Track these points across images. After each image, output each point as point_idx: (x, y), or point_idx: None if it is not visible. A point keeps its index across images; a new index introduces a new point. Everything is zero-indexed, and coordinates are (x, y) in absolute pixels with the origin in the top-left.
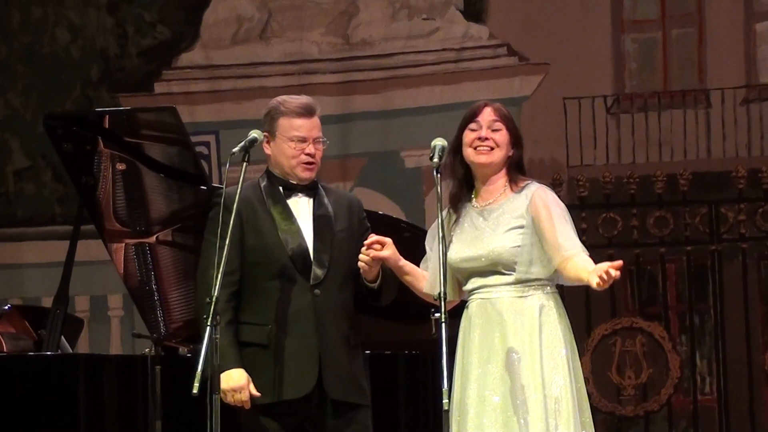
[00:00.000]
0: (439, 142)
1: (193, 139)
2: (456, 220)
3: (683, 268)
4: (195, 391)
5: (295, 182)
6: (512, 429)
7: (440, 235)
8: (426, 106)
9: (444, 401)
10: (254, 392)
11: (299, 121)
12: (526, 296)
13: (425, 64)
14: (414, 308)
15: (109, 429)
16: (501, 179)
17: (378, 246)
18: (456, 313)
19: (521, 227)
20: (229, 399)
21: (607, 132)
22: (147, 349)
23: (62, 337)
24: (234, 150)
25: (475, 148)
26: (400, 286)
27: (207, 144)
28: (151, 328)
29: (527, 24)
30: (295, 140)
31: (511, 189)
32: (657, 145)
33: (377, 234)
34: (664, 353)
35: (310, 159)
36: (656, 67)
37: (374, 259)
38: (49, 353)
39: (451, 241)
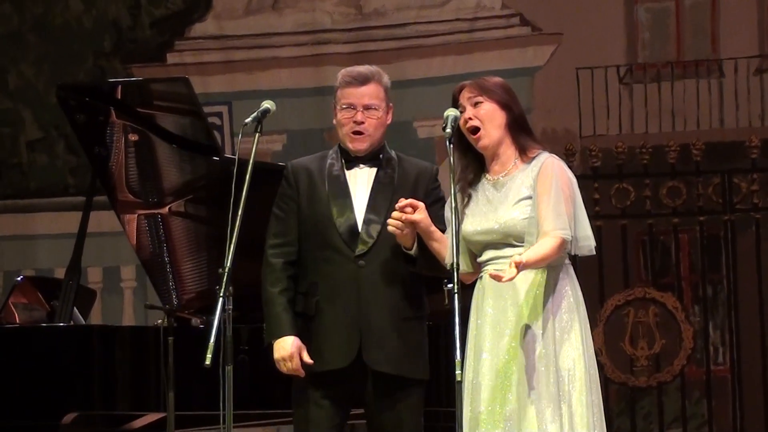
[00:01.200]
0: (451, 113)
1: (206, 109)
2: (469, 195)
3: (696, 238)
4: (207, 362)
5: (353, 154)
6: (525, 399)
7: (453, 205)
8: (438, 77)
9: (457, 372)
10: (307, 359)
11: (349, 90)
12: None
13: (438, 35)
14: (427, 279)
15: (122, 400)
16: (509, 149)
17: (410, 209)
18: (469, 284)
19: (529, 198)
20: (282, 368)
21: (620, 102)
22: (159, 321)
23: (75, 308)
24: (246, 120)
25: (471, 133)
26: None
27: (219, 114)
28: (164, 300)
29: None
30: (345, 108)
31: (522, 160)
32: (670, 114)
33: None
34: (677, 324)
35: (357, 127)
36: (669, 36)
37: (405, 221)
38: (61, 324)
39: (465, 215)
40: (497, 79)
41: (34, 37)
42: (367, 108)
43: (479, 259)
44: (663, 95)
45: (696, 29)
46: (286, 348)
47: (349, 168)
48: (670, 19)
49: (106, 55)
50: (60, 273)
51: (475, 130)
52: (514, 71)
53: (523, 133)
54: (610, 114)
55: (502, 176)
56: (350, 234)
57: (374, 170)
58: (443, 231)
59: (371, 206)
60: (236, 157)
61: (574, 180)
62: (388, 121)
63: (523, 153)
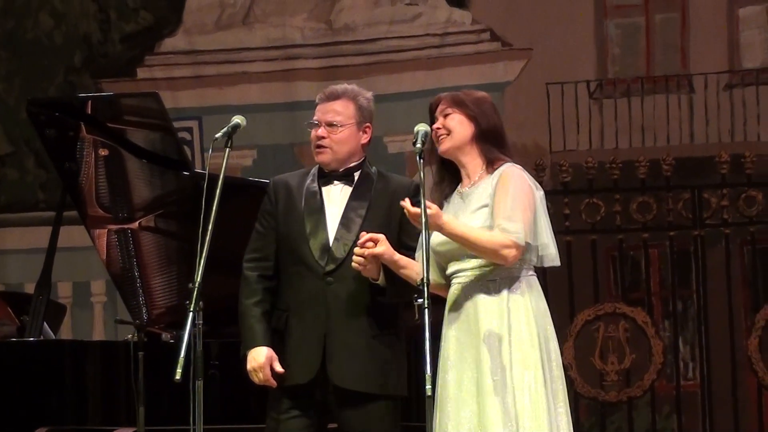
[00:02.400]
0: (421, 128)
1: (176, 124)
2: (441, 208)
3: (666, 253)
4: (178, 377)
5: (326, 169)
6: (487, 410)
7: (423, 219)
8: (409, 92)
9: (427, 387)
10: (278, 369)
11: (319, 105)
12: (495, 279)
13: (408, 50)
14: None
15: (93, 415)
16: (475, 160)
17: (371, 243)
18: (440, 299)
19: (486, 206)
20: (254, 378)
21: (590, 117)
22: (130, 335)
23: (45, 323)
24: (217, 135)
25: (436, 140)
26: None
27: (190, 129)
28: (134, 315)
29: (510, 9)
30: (311, 124)
31: (487, 171)
32: (640, 130)
33: None
34: (647, 339)
35: (317, 142)
36: (639, 52)
37: (368, 256)
38: (31, 339)
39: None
40: (476, 94)
41: (5, 52)
42: (329, 124)
43: (447, 272)
44: (633, 110)
45: (666, 45)
46: (257, 359)
47: (325, 185)
48: (640, 35)
49: (77, 70)
50: (30, 288)
51: (444, 135)
52: (484, 86)
53: (491, 146)
54: (580, 129)
55: (469, 187)
56: (322, 251)
57: (349, 187)
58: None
59: (343, 224)
60: (206, 172)
61: (538, 190)
62: (363, 140)
63: (490, 165)
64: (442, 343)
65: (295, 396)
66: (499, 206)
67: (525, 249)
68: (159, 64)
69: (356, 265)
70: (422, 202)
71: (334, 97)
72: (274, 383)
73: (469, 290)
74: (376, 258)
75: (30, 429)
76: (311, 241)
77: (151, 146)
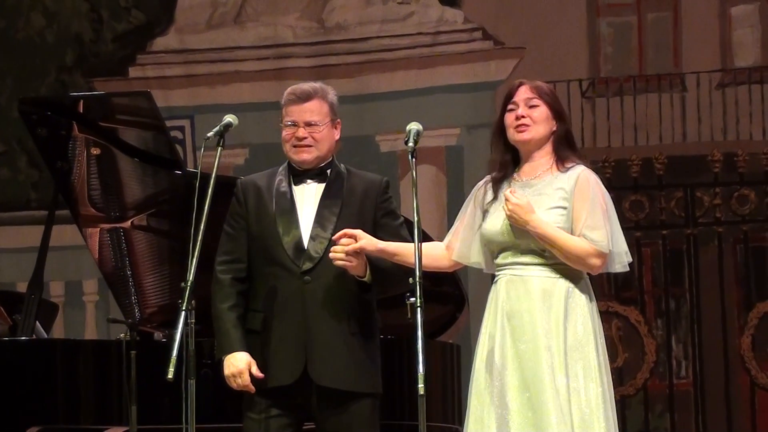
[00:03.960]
0: (413, 126)
1: (168, 123)
2: (495, 194)
3: (659, 252)
4: (170, 376)
5: (301, 168)
6: (544, 409)
7: (416, 219)
8: (401, 90)
9: (419, 386)
10: (257, 373)
11: (291, 107)
12: (556, 278)
13: (400, 48)
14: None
15: (85, 414)
16: (546, 156)
17: (348, 240)
18: (431, 298)
19: (564, 208)
20: (232, 384)
21: (582, 116)
22: (122, 334)
23: (37, 322)
24: (208, 134)
25: (515, 128)
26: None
27: (182, 128)
28: (126, 314)
29: (502, 8)
30: (288, 125)
31: (557, 167)
32: (632, 129)
33: None
34: (640, 337)
35: (298, 143)
36: (631, 51)
37: (348, 254)
38: (23, 338)
39: (486, 212)
40: (551, 86)
41: None
42: (308, 124)
43: (496, 261)
44: (625, 109)
45: (658, 43)
46: (236, 364)
47: (297, 184)
48: (633, 34)
49: (68, 69)
50: (22, 287)
51: (522, 126)
52: (476, 85)
53: (565, 147)
54: (572, 128)
55: (532, 179)
56: (296, 250)
57: (322, 185)
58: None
59: (318, 222)
60: (198, 171)
61: (609, 196)
62: (336, 137)
63: (560, 162)
64: (483, 334)
65: (274, 398)
66: (581, 213)
67: (608, 257)
68: (151, 63)
69: (341, 263)
70: (414, 199)
71: (307, 96)
72: (252, 389)
73: (527, 285)
74: (360, 253)
75: (22, 428)
76: (285, 241)
77: (143, 145)
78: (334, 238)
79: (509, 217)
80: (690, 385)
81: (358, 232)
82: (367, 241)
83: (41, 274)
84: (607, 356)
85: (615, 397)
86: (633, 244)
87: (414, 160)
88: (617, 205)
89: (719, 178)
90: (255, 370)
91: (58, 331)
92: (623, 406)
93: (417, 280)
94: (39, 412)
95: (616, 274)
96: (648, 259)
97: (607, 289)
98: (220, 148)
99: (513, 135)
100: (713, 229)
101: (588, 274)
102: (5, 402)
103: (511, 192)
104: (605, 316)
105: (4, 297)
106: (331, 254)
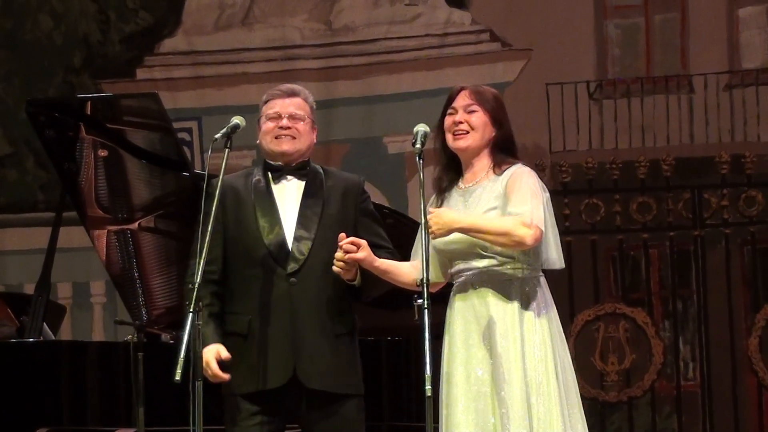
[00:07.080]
0: (421, 128)
1: (176, 125)
2: (441, 204)
3: (666, 253)
4: (177, 378)
5: (281, 163)
6: (495, 406)
7: (423, 221)
8: (409, 92)
9: (426, 387)
10: (224, 355)
11: (274, 101)
12: (505, 279)
13: (408, 50)
14: (397, 294)
15: (92, 415)
16: (483, 161)
17: (353, 247)
18: (439, 299)
19: (496, 208)
20: (208, 377)
21: (590, 117)
22: (129, 336)
23: (44, 324)
24: (216, 136)
25: (453, 134)
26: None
27: (189, 130)
28: (134, 315)
29: (510, 10)
30: (270, 118)
31: (494, 171)
32: (640, 130)
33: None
34: (647, 339)
35: (282, 132)
36: (639, 52)
37: (348, 261)
38: (31, 340)
39: None
40: (494, 92)
41: (4, 52)
42: (292, 117)
43: (450, 271)
44: (633, 111)
45: (666, 45)
46: (205, 357)
47: (276, 181)
48: (640, 35)
49: (76, 70)
50: (30, 288)
51: (460, 134)
52: None
53: (503, 151)
54: (580, 129)
55: (472, 185)
56: (280, 251)
57: (302, 183)
58: (381, 247)
59: (301, 222)
60: (206, 173)
61: (545, 192)
62: (314, 140)
63: (497, 167)
64: (447, 340)
65: (260, 401)
66: (509, 198)
67: (542, 233)
68: (158, 64)
69: (338, 270)
70: (421, 201)
71: (293, 93)
72: (224, 377)
73: (477, 290)
74: (354, 263)
75: (29, 430)
76: (268, 242)
77: (151, 147)
78: (340, 244)
79: (433, 233)
80: (697, 387)
81: (363, 243)
82: (366, 254)
83: (48, 275)
84: (569, 358)
85: (622, 398)
86: (640, 246)
87: (422, 161)
88: (624, 207)
89: (727, 180)
90: (223, 353)
91: (66, 333)
92: (630, 407)
93: (425, 281)
94: (46, 414)
95: (624, 276)
96: (655, 261)
97: (614, 291)
98: (227, 150)
99: (449, 140)
100: (720, 231)
101: (543, 274)
102: (13, 403)
103: (430, 212)
104: (612, 317)
105: (11, 298)
106: (336, 262)
